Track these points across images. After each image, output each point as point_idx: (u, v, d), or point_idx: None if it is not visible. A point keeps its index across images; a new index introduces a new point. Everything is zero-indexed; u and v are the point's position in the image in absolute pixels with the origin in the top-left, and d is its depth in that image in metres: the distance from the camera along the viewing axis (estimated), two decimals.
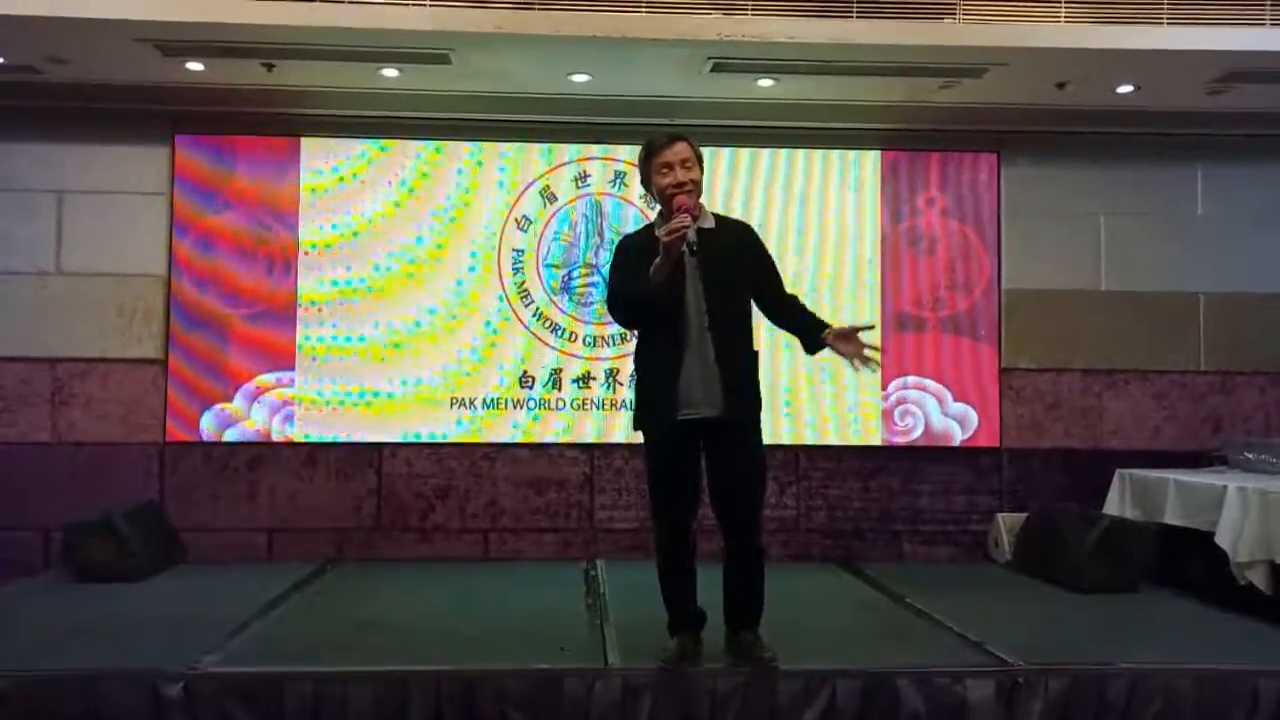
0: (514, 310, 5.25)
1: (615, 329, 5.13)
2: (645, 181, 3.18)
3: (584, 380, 5.24)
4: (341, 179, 5.22)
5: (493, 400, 5.22)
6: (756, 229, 3.34)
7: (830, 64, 4.55)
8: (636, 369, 3.21)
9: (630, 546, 5.15)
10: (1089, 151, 5.40)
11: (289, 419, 5.14)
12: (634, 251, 3.10)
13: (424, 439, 5.19)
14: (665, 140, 3.09)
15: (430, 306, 5.22)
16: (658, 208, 3.18)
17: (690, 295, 3.02)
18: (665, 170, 3.06)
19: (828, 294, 5.31)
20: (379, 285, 5.21)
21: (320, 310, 5.18)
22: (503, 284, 5.25)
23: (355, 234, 5.21)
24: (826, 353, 3.15)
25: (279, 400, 5.14)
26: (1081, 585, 4.33)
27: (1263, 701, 3.13)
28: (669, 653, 3.11)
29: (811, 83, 4.80)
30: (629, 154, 5.24)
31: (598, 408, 5.23)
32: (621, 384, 5.22)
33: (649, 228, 3.15)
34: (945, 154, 5.42)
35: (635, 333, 3.23)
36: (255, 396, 5.13)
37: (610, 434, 5.22)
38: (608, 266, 3.34)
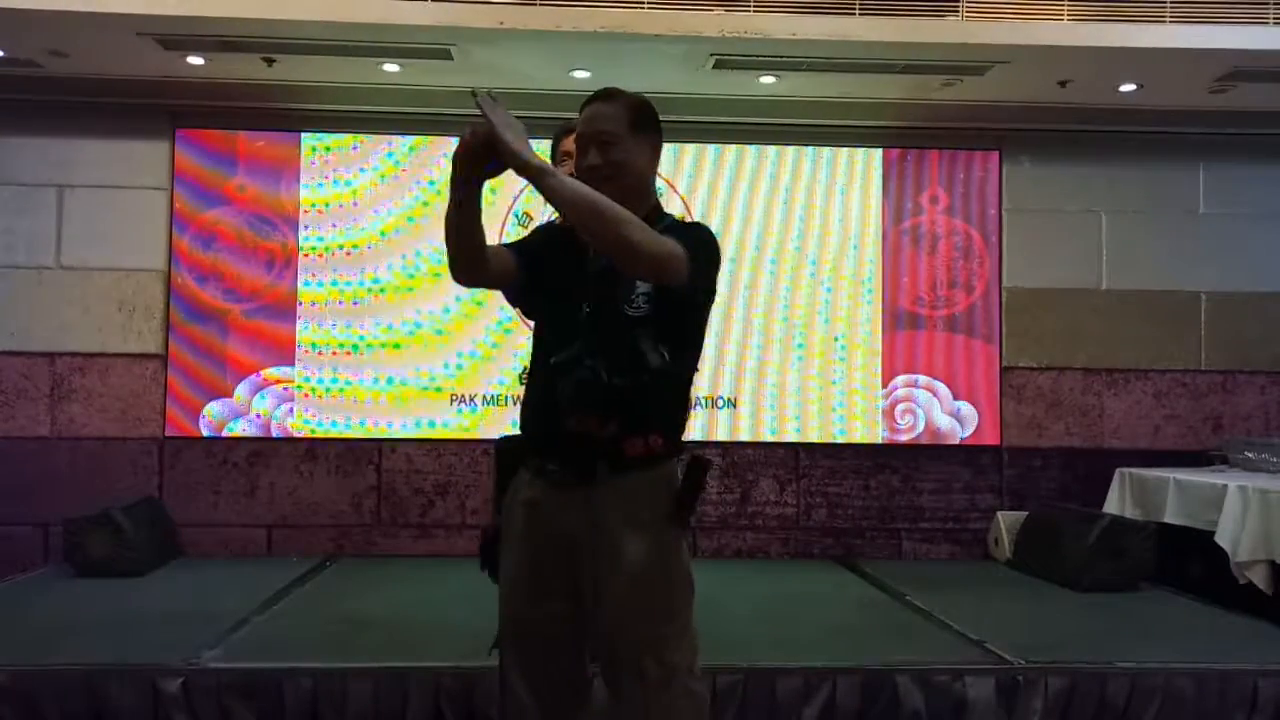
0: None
1: None
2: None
3: None
4: (341, 175, 5.20)
5: (493, 397, 5.21)
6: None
7: (832, 61, 4.54)
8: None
9: None
10: (1091, 150, 5.39)
11: (289, 414, 5.13)
12: (541, 232, 2.91)
13: (424, 435, 5.18)
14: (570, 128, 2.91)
15: (430, 303, 5.21)
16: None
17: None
18: (565, 159, 2.80)
19: (827, 291, 5.30)
20: (379, 281, 5.20)
21: (320, 307, 5.17)
22: None
23: (354, 230, 5.20)
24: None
25: (279, 395, 5.13)
26: (1081, 584, 4.33)
27: (1262, 701, 3.13)
28: None
29: (813, 80, 4.79)
30: None
31: None
32: None
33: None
34: (947, 152, 5.41)
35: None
36: (255, 392, 5.13)
37: None
38: None
